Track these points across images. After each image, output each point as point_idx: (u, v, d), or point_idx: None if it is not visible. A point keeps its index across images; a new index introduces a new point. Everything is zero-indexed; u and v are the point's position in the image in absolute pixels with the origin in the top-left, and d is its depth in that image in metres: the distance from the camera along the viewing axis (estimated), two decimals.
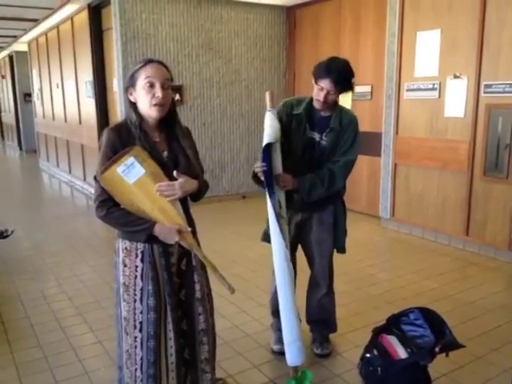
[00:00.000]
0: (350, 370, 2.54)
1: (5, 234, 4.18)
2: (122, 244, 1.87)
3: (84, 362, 2.67)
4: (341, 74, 2.37)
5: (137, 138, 1.77)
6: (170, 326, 1.87)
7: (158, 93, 1.74)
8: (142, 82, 1.75)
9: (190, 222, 1.92)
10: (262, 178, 2.27)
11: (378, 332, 2.47)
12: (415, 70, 4.75)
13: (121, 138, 1.77)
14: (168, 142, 1.86)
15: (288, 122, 2.45)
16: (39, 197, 7.92)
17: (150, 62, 1.79)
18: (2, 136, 17.06)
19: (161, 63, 1.82)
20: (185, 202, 1.90)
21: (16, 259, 4.44)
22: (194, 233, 1.92)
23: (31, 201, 7.41)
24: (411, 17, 4.75)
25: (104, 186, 1.76)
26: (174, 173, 1.77)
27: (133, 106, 1.81)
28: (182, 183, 1.78)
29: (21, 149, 13.49)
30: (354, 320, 3.12)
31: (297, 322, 2.35)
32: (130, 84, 1.80)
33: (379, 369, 2.32)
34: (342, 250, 2.71)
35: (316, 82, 2.39)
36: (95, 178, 1.80)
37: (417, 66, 4.73)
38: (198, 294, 1.94)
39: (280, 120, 2.38)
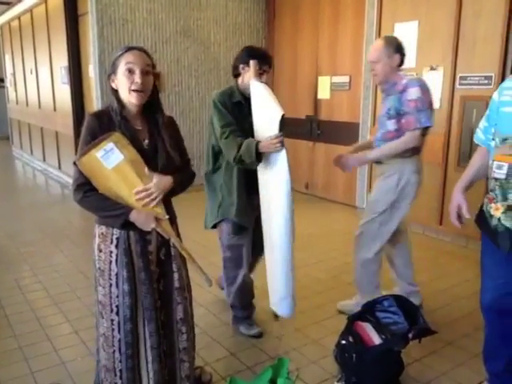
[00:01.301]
0: (326, 357, 2.59)
1: None
2: (98, 229, 1.87)
3: (60, 352, 2.65)
4: (269, 57, 2.72)
5: (117, 125, 1.77)
6: (145, 313, 1.88)
7: (137, 79, 1.75)
8: (122, 68, 1.76)
9: (170, 210, 1.92)
10: (282, 150, 2.44)
11: (353, 319, 2.51)
12: None
13: (101, 125, 1.77)
14: (149, 131, 1.87)
15: (231, 109, 2.58)
16: (13, 185, 7.75)
17: (130, 49, 1.80)
18: None
19: (142, 50, 1.83)
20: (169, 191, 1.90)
21: None
22: (173, 222, 1.92)
23: (4, 189, 7.25)
24: (389, 8, 4.78)
25: (82, 170, 1.76)
26: (145, 170, 1.77)
27: (115, 92, 1.82)
28: (157, 183, 1.79)
29: None
30: (329, 307, 3.17)
31: (292, 278, 2.48)
32: (111, 71, 1.81)
33: (354, 355, 2.37)
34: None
35: (249, 66, 2.55)
36: (74, 162, 1.79)
37: None
38: (176, 284, 1.94)
39: (226, 107, 2.54)
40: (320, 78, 6.00)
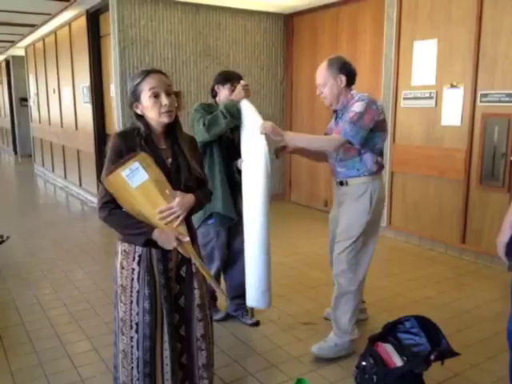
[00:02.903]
0: (346, 378, 2.54)
1: (0, 240, 4.15)
2: (121, 247, 1.90)
3: (79, 369, 2.65)
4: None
5: (138, 147, 1.80)
6: (165, 329, 1.89)
7: (165, 101, 1.80)
8: (146, 94, 1.81)
9: (190, 229, 1.94)
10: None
11: (374, 340, 2.46)
12: (412, 78, 4.78)
13: (127, 144, 1.81)
14: (172, 149, 1.91)
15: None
16: (34, 202, 7.89)
17: (149, 73, 1.83)
18: None
19: (159, 71, 1.87)
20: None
21: (11, 265, 4.42)
22: (193, 240, 1.94)
23: (26, 206, 7.38)
24: (408, 26, 4.79)
25: (108, 188, 1.79)
26: (167, 191, 1.80)
27: (141, 118, 1.86)
28: (180, 202, 1.81)
29: (16, 153, 13.45)
30: None
31: (270, 271, 2.78)
32: (133, 99, 1.85)
33: (375, 377, 2.32)
34: None
35: (233, 85, 2.97)
36: (101, 180, 1.83)
37: (414, 74, 4.77)
38: (198, 301, 1.95)
39: (205, 111, 2.89)
40: None
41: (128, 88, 1.89)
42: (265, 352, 2.82)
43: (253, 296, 2.84)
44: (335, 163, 2.78)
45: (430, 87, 4.63)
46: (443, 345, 2.33)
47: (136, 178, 1.76)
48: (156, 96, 1.80)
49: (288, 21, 6.80)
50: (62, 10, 6.74)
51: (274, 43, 6.83)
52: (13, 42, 10.10)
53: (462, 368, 2.62)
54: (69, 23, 7.32)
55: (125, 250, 1.88)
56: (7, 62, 12.80)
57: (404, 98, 4.87)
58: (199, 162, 2.02)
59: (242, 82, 2.92)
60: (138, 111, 1.86)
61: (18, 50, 10.94)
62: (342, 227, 2.76)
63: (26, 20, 7.53)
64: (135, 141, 1.82)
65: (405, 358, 2.33)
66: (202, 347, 1.98)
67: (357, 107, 2.56)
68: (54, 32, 8.12)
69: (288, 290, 3.74)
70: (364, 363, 2.40)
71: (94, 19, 6.58)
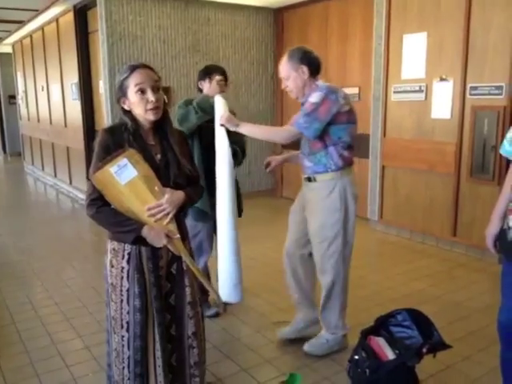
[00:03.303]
0: (339, 373, 2.55)
1: None
2: (110, 245, 1.88)
3: (71, 368, 2.64)
4: (223, 69, 3.13)
5: (126, 142, 1.78)
6: (157, 329, 1.87)
7: (151, 97, 1.77)
8: (132, 90, 1.77)
9: (181, 226, 1.92)
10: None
11: (366, 334, 2.47)
12: (402, 72, 4.79)
13: (114, 140, 1.78)
14: (161, 145, 1.88)
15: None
16: (24, 201, 7.82)
17: (135, 68, 1.79)
18: None
19: (146, 66, 1.83)
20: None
21: (1, 264, 4.38)
22: (184, 238, 1.92)
23: (16, 205, 7.31)
24: (398, 20, 4.79)
25: (96, 185, 1.76)
26: (156, 188, 1.77)
27: (128, 113, 1.83)
28: (170, 199, 1.79)
29: (5, 152, 13.31)
30: None
31: (241, 263, 2.74)
32: (120, 94, 1.81)
33: (367, 370, 2.33)
34: None
35: (211, 78, 3.01)
36: (88, 177, 1.80)
37: (404, 68, 4.77)
38: (188, 298, 1.93)
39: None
40: None
41: (116, 83, 1.85)
42: (257, 347, 2.83)
43: (224, 291, 2.76)
44: (304, 158, 2.70)
45: (419, 80, 4.64)
46: (435, 337, 2.34)
47: (124, 175, 1.73)
48: (142, 92, 1.77)
49: (278, 15, 6.77)
50: (49, 6, 6.67)
51: (263, 38, 6.81)
52: (0, 39, 9.98)
53: (453, 360, 2.64)
54: (56, 19, 7.24)
55: (114, 249, 1.86)
56: None
57: (394, 92, 4.88)
58: (189, 158, 1.99)
59: (216, 77, 2.98)
60: (125, 106, 1.83)
61: (5, 47, 10.82)
62: (313, 228, 2.66)
63: (12, 16, 7.46)
64: (123, 136, 1.79)
65: (397, 351, 2.33)
66: (194, 345, 1.96)
67: (313, 98, 2.47)
68: (42, 28, 8.04)
69: (280, 286, 3.72)
70: (357, 357, 2.40)
71: (81, 15, 6.52)
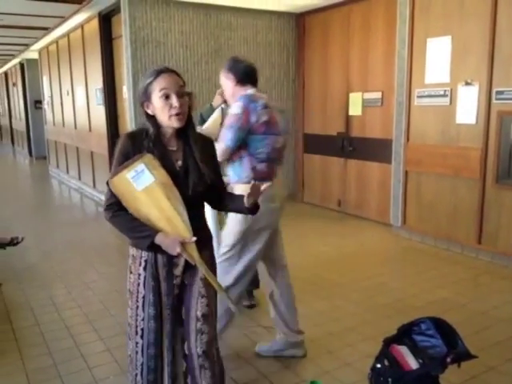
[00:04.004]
0: (360, 381, 2.51)
1: (15, 242, 4.19)
2: (130, 251, 1.88)
3: (93, 370, 2.66)
4: None
5: (145, 149, 1.74)
6: (166, 340, 1.84)
7: (176, 103, 1.72)
8: (157, 95, 1.73)
9: (201, 230, 1.85)
10: None
11: (389, 342, 2.42)
12: (426, 76, 4.72)
13: (134, 145, 1.76)
14: (184, 151, 1.83)
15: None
16: (49, 204, 7.96)
17: (160, 72, 1.75)
18: (13, 142, 17.23)
19: (172, 71, 1.79)
20: (197, 214, 1.86)
21: (26, 267, 4.46)
22: (204, 243, 1.87)
23: (41, 208, 7.45)
24: (421, 23, 4.73)
25: (113, 190, 1.75)
26: (172, 196, 1.72)
27: (151, 118, 1.78)
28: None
29: (31, 155, 13.61)
30: (364, 329, 3.08)
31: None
32: (144, 98, 1.77)
33: (390, 380, 2.28)
34: None
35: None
36: (107, 182, 1.79)
37: (427, 72, 4.71)
38: (203, 310, 1.85)
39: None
40: (351, 95, 5.97)
41: (140, 87, 1.81)
42: (293, 365, 2.74)
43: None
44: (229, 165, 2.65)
45: (444, 85, 4.57)
46: (460, 347, 2.28)
47: (141, 181, 1.71)
48: (167, 97, 1.72)
49: (299, 20, 6.77)
50: (74, 13, 6.80)
51: (285, 42, 6.81)
52: (27, 46, 10.22)
53: (479, 370, 2.58)
54: (81, 26, 7.38)
55: (133, 255, 1.86)
56: (22, 65, 12.95)
57: (417, 96, 4.81)
58: (214, 166, 1.90)
59: (218, 90, 3.11)
60: (149, 111, 1.78)
61: (32, 53, 11.07)
62: (223, 232, 2.70)
63: (39, 23, 7.62)
64: (143, 142, 1.76)
65: (420, 361, 2.28)
66: (205, 366, 1.85)
67: (233, 109, 2.47)
68: (67, 35, 8.19)
69: (300, 291, 3.70)
70: (379, 365, 2.36)
71: (106, 21, 6.62)
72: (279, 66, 6.82)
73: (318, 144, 6.68)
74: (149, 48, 5.78)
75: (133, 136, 1.80)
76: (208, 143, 1.93)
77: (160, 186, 1.72)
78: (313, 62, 6.64)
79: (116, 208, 1.77)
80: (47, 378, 2.60)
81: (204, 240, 1.88)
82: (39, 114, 12.16)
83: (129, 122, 6.10)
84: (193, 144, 1.82)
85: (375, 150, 5.67)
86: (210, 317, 1.87)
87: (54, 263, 4.53)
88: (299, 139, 6.98)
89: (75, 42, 7.91)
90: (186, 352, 1.87)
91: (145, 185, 1.72)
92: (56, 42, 9.01)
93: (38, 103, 12.44)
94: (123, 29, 5.77)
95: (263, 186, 1.80)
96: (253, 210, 1.89)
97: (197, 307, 1.84)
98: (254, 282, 3.40)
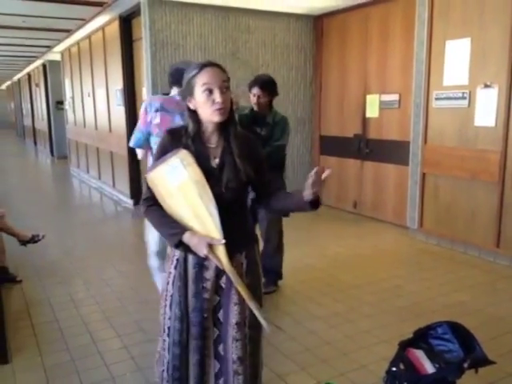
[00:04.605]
0: None
1: (36, 239, 4.27)
2: (167, 249, 1.89)
3: (110, 367, 2.70)
4: (264, 83, 3.52)
5: (182, 145, 1.72)
6: (192, 342, 1.82)
7: (218, 98, 1.66)
8: (199, 89, 1.68)
9: (240, 239, 1.79)
10: None
11: (405, 345, 2.41)
12: (444, 78, 4.68)
13: (173, 141, 1.75)
14: (223, 148, 1.78)
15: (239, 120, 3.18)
16: (69, 202, 8.09)
17: (204, 66, 1.70)
18: (35, 142, 17.54)
19: (216, 65, 1.73)
20: (233, 215, 1.78)
21: (46, 264, 4.54)
22: (241, 247, 1.80)
23: (61, 206, 7.58)
24: (440, 25, 4.69)
25: (149, 184, 1.76)
26: (204, 194, 1.67)
27: (193, 113, 1.74)
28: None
29: (52, 155, 13.83)
30: (379, 332, 3.07)
31: None
32: (187, 93, 1.72)
33: (405, 383, 2.28)
34: None
35: (250, 91, 3.53)
36: (145, 176, 1.80)
37: (446, 74, 4.67)
38: (236, 318, 1.79)
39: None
40: (368, 97, 5.94)
41: (183, 81, 1.75)
42: (293, 354, 2.81)
43: None
44: None
45: (462, 87, 4.53)
46: (477, 352, 2.26)
47: (175, 176, 1.69)
48: (210, 91, 1.66)
49: (317, 22, 6.76)
50: (95, 15, 6.90)
51: (303, 45, 6.81)
52: (49, 47, 10.40)
53: (497, 377, 2.55)
54: (102, 28, 7.49)
55: (168, 254, 1.86)
56: (44, 66, 13.17)
57: (436, 99, 4.78)
58: (255, 163, 1.80)
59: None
60: (191, 106, 1.73)
61: (54, 55, 11.26)
62: None
63: (61, 25, 7.75)
64: (181, 139, 1.74)
65: (437, 365, 2.27)
66: (239, 371, 1.82)
67: (141, 110, 2.75)
68: (89, 37, 8.32)
69: (316, 293, 3.72)
70: (394, 369, 2.35)
71: (126, 24, 6.72)
72: (297, 69, 6.83)
73: (334, 146, 6.67)
74: (168, 50, 5.84)
75: (173, 132, 1.79)
76: (249, 140, 1.86)
77: (193, 183, 1.68)
78: (330, 64, 6.63)
79: (151, 202, 1.77)
80: (65, 373, 2.65)
81: (239, 244, 1.79)
82: (61, 114, 12.36)
83: None
84: (232, 140, 1.76)
85: (392, 151, 5.64)
86: (245, 323, 1.81)
87: (74, 260, 4.61)
88: (316, 141, 6.97)
89: (96, 44, 8.03)
90: (222, 353, 1.84)
91: (179, 181, 1.69)
92: (77, 43, 9.16)
93: (59, 104, 12.65)
94: (143, 31, 5.84)
95: (326, 172, 1.60)
96: (315, 203, 1.70)
97: (232, 314, 1.80)
98: (278, 274, 3.76)
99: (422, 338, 2.43)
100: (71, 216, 6.81)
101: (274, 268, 3.72)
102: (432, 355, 2.34)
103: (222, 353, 1.84)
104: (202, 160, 1.71)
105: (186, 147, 1.71)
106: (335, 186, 6.70)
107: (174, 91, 2.81)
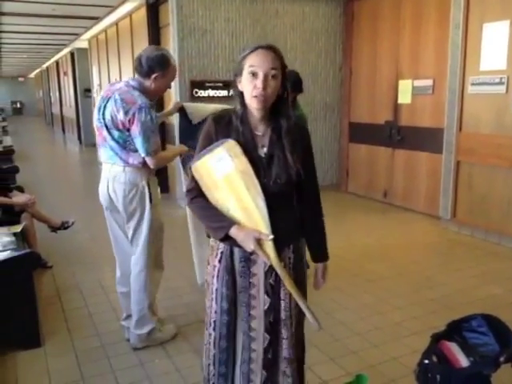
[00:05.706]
0: (406, 376, 2.44)
1: (66, 225, 4.33)
2: (210, 241, 1.80)
3: (138, 353, 2.72)
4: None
5: (232, 130, 1.65)
6: (240, 337, 1.77)
7: (259, 84, 1.58)
8: (246, 70, 1.61)
9: (288, 235, 1.73)
10: None
11: (438, 338, 2.35)
12: (481, 63, 4.51)
13: (218, 128, 1.67)
14: (271, 137, 1.68)
15: None
16: (97, 189, 8.16)
17: (258, 48, 1.62)
18: (64, 130, 17.84)
19: (270, 48, 1.62)
20: (282, 210, 1.70)
21: (75, 250, 4.61)
22: (289, 247, 1.74)
23: (90, 193, 7.66)
24: (477, 8, 4.51)
25: (195, 175, 1.69)
26: (252, 186, 1.60)
27: (240, 95, 1.67)
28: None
29: (80, 142, 14.03)
30: (410, 324, 3.01)
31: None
32: (237, 72, 1.66)
33: (438, 376, 2.21)
34: None
35: None
36: (190, 167, 1.72)
37: (482, 59, 4.49)
38: (282, 315, 1.73)
39: None
40: (401, 82, 5.78)
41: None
42: (322, 344, 2.77)
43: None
44: None
45: (500, 72, 4.35)
46: None
47: (221, 168, 1.63)
48: (254, 75, 1.59)
49: (348, 6, 6.60)
50: (122, 2, 6.91)
51: (332, 29, 6.67)
52: (77, 35, 10.51)
53: None
54: (130, 14, 7.50)
55: (212, 246, 1.78)
56: (72, 54, 13.33)
57: (471, 84, 4.61)
58: (303, 158, 1.70)
59: None
60: (239, 87, 1.66)
61: (82, 43, 11.37)
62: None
63: (89, 13, 7.80)
64: (227, 125, 1.66)
65: (471, 359, 2.20)
66: (287, 373, 1.76)
67: None
68: (116, 24, 8.35)
69: (344, 283, 3.66)
70: (427, 361, 2.29)
71: (153, 10, 6.69)
72: (326, 54, 6.70)
73: (364, 133, 6.54)
74: (195, 36, 5.80)
75: (218, 118, 1.70)
76: (301, 132, 1.76)
77: (240, 175, 1.61)
78: (361, 49, 6.47)
79: (195, 193, 1.70)
80: (95, 358, 2.69)
81: (287, 238, 1.73)
82: (88, 102, 12.49)
83: None
84: (285, 135, 1.67)
85: (425, 139, 5.49)
86: (291, 323, 1.76)
87: (103, 247, 4.64)
88: (344, 128, 6.85)
89: (123, 31, 8.05)
90: (269, 356, 1.77)
91: (225, 172, 1.63)
92: (105, 31, 9.21)
93: (87, 91, 12.78)
94: (170, 17, 5.81)
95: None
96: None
97: (280, 310, 1.73)
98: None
99: (455, 330, 2.36)
100: (99, 203, 6.88)
101: None
102: (466, 348, 2.27)
103: (269, 356, 1.77)
104: (249, 148, 1.64)
105: (236, 130, 1.64)
106: (365, 174, 6.59)
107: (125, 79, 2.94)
